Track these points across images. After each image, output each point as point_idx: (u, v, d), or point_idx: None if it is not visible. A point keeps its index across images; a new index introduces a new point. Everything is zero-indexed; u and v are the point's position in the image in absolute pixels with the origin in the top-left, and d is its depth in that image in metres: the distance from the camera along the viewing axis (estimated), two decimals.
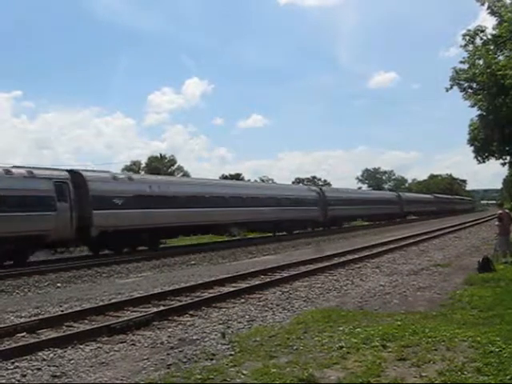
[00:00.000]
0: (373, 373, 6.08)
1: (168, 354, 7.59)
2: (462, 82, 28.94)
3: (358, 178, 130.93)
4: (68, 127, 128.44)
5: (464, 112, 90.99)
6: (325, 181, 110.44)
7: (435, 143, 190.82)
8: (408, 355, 6.76)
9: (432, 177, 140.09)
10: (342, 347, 7.23)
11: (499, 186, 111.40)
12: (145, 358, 7.49)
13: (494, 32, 26.55)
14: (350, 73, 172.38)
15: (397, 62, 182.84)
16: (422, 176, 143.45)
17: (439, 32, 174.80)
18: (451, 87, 29.24)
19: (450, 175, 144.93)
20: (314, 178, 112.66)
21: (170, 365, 6.99)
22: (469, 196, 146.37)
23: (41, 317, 10.74)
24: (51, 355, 7.83)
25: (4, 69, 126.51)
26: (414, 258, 19.80)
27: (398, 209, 66.87)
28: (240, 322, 9.65)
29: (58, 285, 16.65)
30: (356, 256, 20.58)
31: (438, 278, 14.61)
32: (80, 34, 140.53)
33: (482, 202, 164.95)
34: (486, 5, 25.91)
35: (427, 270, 16.29)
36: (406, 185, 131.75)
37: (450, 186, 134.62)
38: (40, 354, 7.87)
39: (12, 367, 7.24)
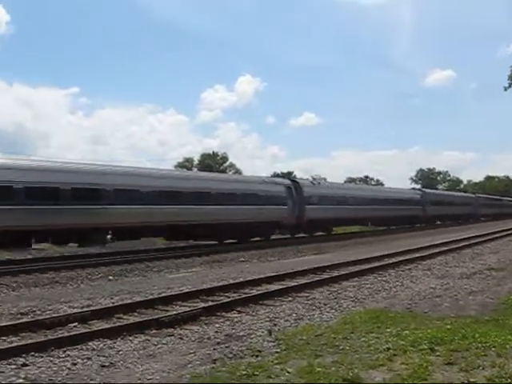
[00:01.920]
0: (419, 376, 5.98)
1: (214, 349, 7.66)
2: None
3: (411, 179, 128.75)
4: (123, 124, 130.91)
5: None
6: (377, 180, 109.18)
7: (493, 144, 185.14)
8: (456, 360, 6.62)
9: (488, 178, 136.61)
10: (388, 349, 7.14)
11: None
12: (191, 352, 7.58)
13: None
14: (404, 70, 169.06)
15: (454, 60, 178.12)
16: (479, 177, 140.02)
17: (498, 28, 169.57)
18: (510, 86, 28.45)
19: (507, 177, 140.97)
20: (367, 177, 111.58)
21: (215, 360, 7.05)
22: None
23: (92, 308, 10.98)
24: (101, 345, 8.03)
25: (62, 65, 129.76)
26: (467, 261, 19.36)
27: (420, 211, 55.21)
28: (287, 320, 9.65)
29: (110, 278, 17.03)
30: (407, 257, 20.28)
31: (491, 282, 14.25)
32: (135, 32, 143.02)
33: None
34: None
35: (480, 273, 15.91)
36: (461, 186, 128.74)
37: (507, 188, 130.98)
38: (90, 343, 8.07)
39: (63, 355, 7.45)
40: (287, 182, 38.82)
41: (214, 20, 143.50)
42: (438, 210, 59.37)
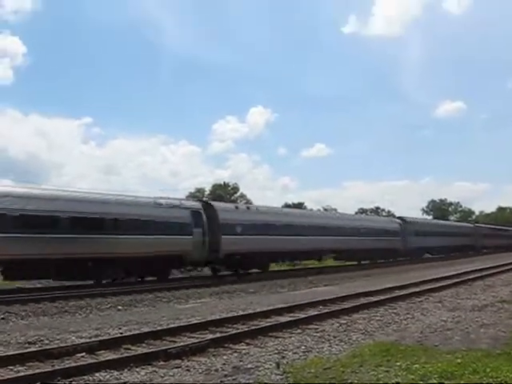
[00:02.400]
0: None
1: (221, 382, 7.60)
2: None
3: (423, 209, 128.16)
4: (135, 154, 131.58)
5: None
6: (388, 211, 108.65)
7: (505, 174, 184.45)
8: None
9: (500, 209, 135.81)
10: (397, 383, 7.05)
11: None
12: None
13: None
14: (415, 102, 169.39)
15: (464, 91, 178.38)
16: (491, 208, 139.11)
17: (507, 61, 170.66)
18: None
19: None
20: (378, 208, 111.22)
21: None
22: None
23: (100, 338, 10.94)
24: (107, 376, 7.98)
25: (76, 96, 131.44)
26: (479, 293, 19.15)
27: (400, 243, 50.13)
28: (295, 353, 9.54)
29: (119, 308, 17.00)
30: (417, 289, 20.10)
31: (503, 314, 14.04)
32: (147, 64, 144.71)
33: None
34: None
35: (492, 306, 15.72)
36: (473, 217, 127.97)
37: None
38: (97, 374, 8.02)
39: None
40: (196, 204, 31.21)
41: (225, 51, 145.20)
42: (424, 241, 54.45)
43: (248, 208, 37.19)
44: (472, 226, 76.41)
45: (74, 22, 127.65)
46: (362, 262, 44.29)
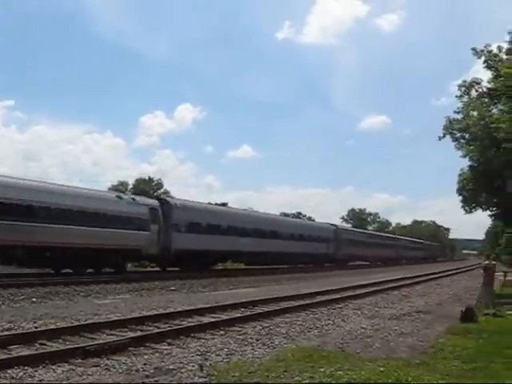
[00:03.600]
0: None
1: (143, 383, 7.33)
2: (454, 132, 29.13)
3: (343, 218, 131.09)
4: (57, 141, 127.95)
5: (454, 160, 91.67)
6: (309, 217, 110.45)
7: (422, 189, 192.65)
8: None
9: (416, 222, 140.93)
10: None
11: (481, 236, 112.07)
12: None
13: (489, 85, 26.89)
14: (343, 112, 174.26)
15: (389, 106, 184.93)
16: (407, 221, 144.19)
17: (432, 81, 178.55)
18: (444, 136, 29.44)
19: (434, 222, 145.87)
20: (300, 213, 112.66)
21: None
22: (450, 244, 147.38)
23: (13, 332, 10.44)
24: (21, 373, 7.53)
25: None
26: (396, 303, 19.63)
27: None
28: (218, 355, 9.38)
29: (34, 300, 16.35)
30: (338, 296, 20.39)
31: (420, 324, 14.41)
32: (76, 49, 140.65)
33: (464, 251, 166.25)
34: (483, 59, 26.36)
35: (409, 315, 16.11)
36: (390, 228, 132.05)
37: (433, 232, 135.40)
38: (9, 371, 7.56)
39: None
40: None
41: (160, 46, 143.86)
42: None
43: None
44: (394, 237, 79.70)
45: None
46: (289, 266, 44.87)
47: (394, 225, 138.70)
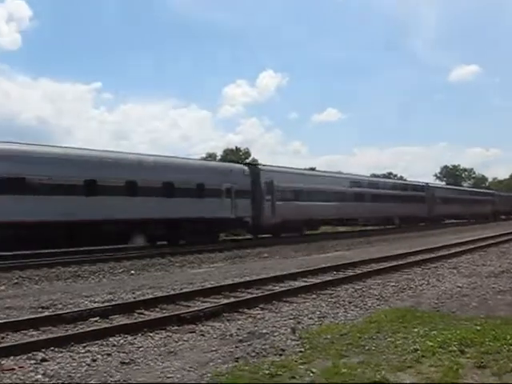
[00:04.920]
0: (450, 379, 5.73)
1: (236, 347, 7.48)
2: None
3: (436, 175, 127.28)
4: (145, 119, 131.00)
5: None
6: (401, 177, 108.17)
7: None
8: (488, 363, 6.33)
9: None
10: (416, 350, 6.88)
11: None
12: (213, 349, 7.41)
13: None
14: (429, 66, 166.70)
15: (480, 54, 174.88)
16: (504, 175, 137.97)
17: None
18: None
19: None
20: (390, 174, 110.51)
21: (238, 358, 6.86)
22: None
23: (113, 303, 10.91)
24: (121, 341, 7.88)
25: (85, 61, 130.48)
26: (494, 260, 18.94)
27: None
28: (311, 318, 9.43)
29: (132, 272, 17.00)
30: (432, 255, 19.94)
31: None
32: (156, 28, 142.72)
33: None
34: None
35: (508, 272, 15.50)
36: (486, 183, 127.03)
37: None
38: (111, 339, 7.93)
39: (83, 351, 7.33)
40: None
41: (236, 15, 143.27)
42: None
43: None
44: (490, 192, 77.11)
45: None
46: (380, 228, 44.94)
47: (490, 179, 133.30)
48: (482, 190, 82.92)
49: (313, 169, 78.13)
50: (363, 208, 41.56)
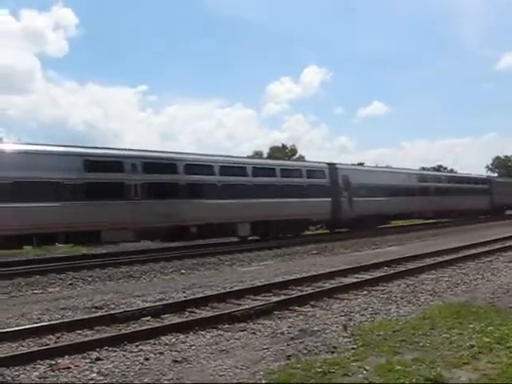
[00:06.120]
0: (509, 376, 5.56)
1: (288, 345, 7.44)
2: None
3: (487, 167, 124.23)
4: (190, 119, 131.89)
5: None
6: (451, 170, 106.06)
7: None
8: None
9: None
10: (472, 346, 6.72)
11: None
12: (265, 347, 7.39)
13: None
14: (476, 56, 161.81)
15: None
16: None
17: None
18: None
19: None
20: (440, 166, 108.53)
21: (289, 356, 6.82)
22: None
23: (165, 302, 11.01)
24: (173, 340, 7.96)
25: (130, 65, 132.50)
26: None
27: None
28: (362, 315, 9.31)
29: (183, 271, 17.11)
30: (486, 249, 19.47)
31: None
32: (198, 29, 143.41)
33: None
34: None
35: None
36: None
37: None
38: (163, 338, 8.02)
39: (136, 350, 7.43)
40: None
41: (277, 13, 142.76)
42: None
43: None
44: None
45: None
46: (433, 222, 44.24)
47: None
48: None
49: (361, 164, 77.38)
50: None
